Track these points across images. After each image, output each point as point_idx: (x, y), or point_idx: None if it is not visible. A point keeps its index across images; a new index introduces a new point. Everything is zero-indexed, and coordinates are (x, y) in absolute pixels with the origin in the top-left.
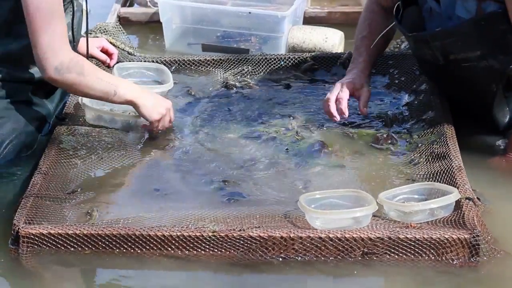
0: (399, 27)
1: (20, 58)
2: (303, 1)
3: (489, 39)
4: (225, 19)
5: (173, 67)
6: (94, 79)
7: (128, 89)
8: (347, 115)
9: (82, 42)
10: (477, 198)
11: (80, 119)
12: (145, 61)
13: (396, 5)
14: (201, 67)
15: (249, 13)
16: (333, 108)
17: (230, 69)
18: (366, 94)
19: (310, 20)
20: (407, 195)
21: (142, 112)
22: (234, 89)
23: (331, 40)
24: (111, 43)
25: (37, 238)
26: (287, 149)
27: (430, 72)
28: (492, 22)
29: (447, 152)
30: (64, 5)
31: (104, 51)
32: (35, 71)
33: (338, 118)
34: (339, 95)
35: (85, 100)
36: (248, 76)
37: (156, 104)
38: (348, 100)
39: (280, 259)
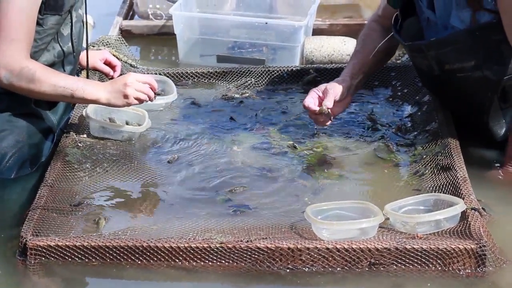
0: (396, 36)
1: None
2: (313, 12)
3: (484, 49)
4: (238, 30)
5: (189, 81)
6: (46, 87)
7: (85, 91)
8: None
9: (82, 55)
10: (482, 208)
11: (85, 132)
12: (148, 73)
13: (395, 14)
14: (205, 79)
15: (266, 23)
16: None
17: (234, 81)
18: (335, 91)
19: (312, 32)
20: (413, 206)
21: (110, 106)
22: (237, 100)
23: (350, 44)
24: (114, 55)
25: (44, 250)
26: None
27: (428, 82)
28: (486, 32)
29: (452, 163)
30: (62, 15)
31: (107, 63)
32: None
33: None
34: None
35: (89, 112)
36: (251, 88)
37: (117, 91)
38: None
39: (288, 270)
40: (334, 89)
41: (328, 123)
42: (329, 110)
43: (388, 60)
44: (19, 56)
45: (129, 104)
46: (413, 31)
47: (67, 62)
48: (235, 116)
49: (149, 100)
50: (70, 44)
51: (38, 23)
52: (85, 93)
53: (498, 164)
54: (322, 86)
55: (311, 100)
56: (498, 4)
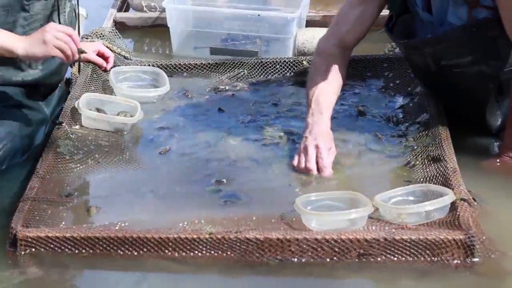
0: (389, 35)
1: (15, 60)
2: (307, 4)
3: (480, 44)
4: (231, 22)
5: (184, 73)
6: None
7: (17, 44)
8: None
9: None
10: (473, 199)
11: (77, 123)
12: (141, 64)
13: (390, 14)
14: (198, 71)
15: (259, 15)
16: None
17: (226, 73)
18: (331, 158)
19: (306, 24)
20: (403, 197)
21: (26, 57)
22: (230, 92)
23: None
24: (107, 47)
25: (34, 241)
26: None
27: (422, 77)
28: (484, 28)
29: (442, 154)
30: (47, 0)
31: (100, 55)
32: (26, 74)
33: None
34: (320, 164)
35: (81, 104)
36: (244, 80)
37: (34, 38)
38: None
39: (277, 261)
40: (334, 152)
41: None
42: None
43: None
44: None
45: (48, 53)
46: (405, 28)
47: None
48: (226, 107)
49: (71, 55)
50: None
51: (24, 9)
52: (18, 45)
53: (495, 153)
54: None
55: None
56: None
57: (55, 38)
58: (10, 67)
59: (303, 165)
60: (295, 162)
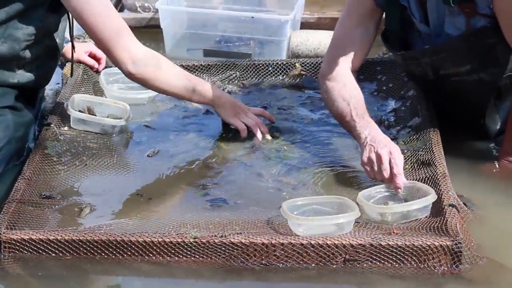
0: (386, 46)
1: (10, 61)
2: (301, 6)
3: (479, 53)
4: (225, 24)
5: None
6: (172, 74)
7: (206, 89)
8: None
9: (67, 47)
10: (464, 204)
11: (66, 124)
12: None
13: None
14: (190, 72)
15: (252, 17)
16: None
17: (218, 75)
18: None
19: (300, 26)
20: (388, 193)
21: (220, 113)
22: None
23: None
24: None
25: (18, 244)
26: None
27: (420, 85)
28: (482, 37)
29: (432, 159)
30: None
31: (92, 56)
32: (20, 76)
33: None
34: (395, 170)
35: (70, 105)
36: (236, 82)
37: (235, 105)
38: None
39: (262, 266)
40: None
41: None
42: None
43: None
44: (135, 42)
45: (232, 124)
46: (402, 39)
47: (52, 57)
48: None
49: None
50: (57, 39)
51: (39, 20)
52: (205, 89)
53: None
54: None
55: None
56: (495, 5)
57: (246, 118)
58: (6, 69)
59: (378, 173)
60: (368, 172)
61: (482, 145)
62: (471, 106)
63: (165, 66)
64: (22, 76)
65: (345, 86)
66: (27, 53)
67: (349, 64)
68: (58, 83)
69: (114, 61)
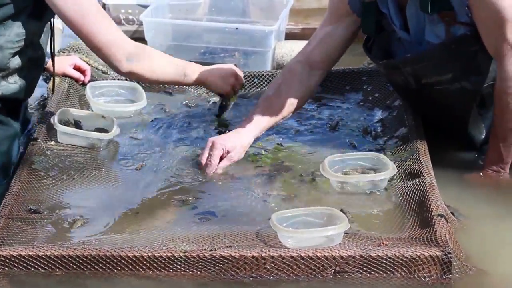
0: (368, 55)
1: None
2: (285, 17)
3: (460, 61)
4: (209, 35)
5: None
6: (164, 62)
7: (195, 70)
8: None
9: (51, 61)
10: (452, 213)
11: (53, 139)
12: (118, 79)
13: (366, 36)
14: (175, 85)
15: (236, 28)
16: (207, 171)
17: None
18: (226, 162)
19: (285, 37)
20: (355, 161)
21: (214, 90)
22: (206, 107)
23: None
24: (84, 61)
25: (7, 260)
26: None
27: (404, 95)
28: (462, 45)
29: (420, 169)
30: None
31: (77, 68)
32: (4, 88)
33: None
34: (208, 160)
35: (57, 119)
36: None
37: (224, 77)
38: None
39: (252, 279)
40: (233, 157)
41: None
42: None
43: (298, 109)
44: (124, 36)
45: (231, 91)
46: (384, 48)
47: (35, 68)
48: (203, 122)
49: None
50: (39, 50)
51: (22, 26)
52: (195, 71)
53: (478, 166)
54: (222, 147)
55: (213, 169)
56: (473, 14)
57: (236, 86)
58: None
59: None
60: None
61: (467, 155)
62: (454, 115)
63: (156, 57)
64: (6, 88)
65: (279, 86)
66: (11, 63)
67: (305, 58)
68: (44, 97)
69: (107, 59)
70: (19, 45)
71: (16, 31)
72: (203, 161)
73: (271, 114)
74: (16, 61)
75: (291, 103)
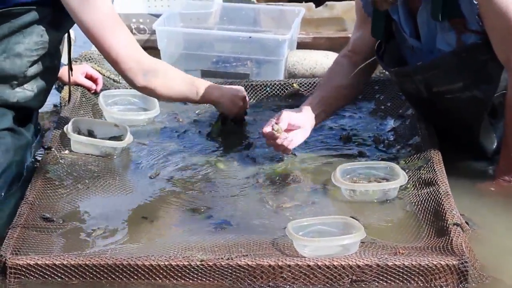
0: (380, 63)
1: (12, 78)
2: (297, 26)
3: (471, 70)
4: (221, 44)
5: None
6: (178, 80)
7: (207, 90)
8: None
9: (63, 71)
10: (466, 222)
11: (67, 148)
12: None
13: (378, 41)
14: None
15: (250, 37)
16: (272, 143)
17: None
18: (300, 138)
19: (296, 46)
20: (367, 169)
21: (223, 111)
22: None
23: (332, 58)
24: (96, 70)
25: (24, 269)
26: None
27: (416, 104)
28: (473, 53)
29: (434, 178)
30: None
31: (89, 77)
32: (20, 95)
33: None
34: (272, 131)
35: (70, 129)
36: None
37: (234, 99)
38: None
39: None
40: (289, 115)
41: (289, 151)
42: (283, 131)
43: (356, 96)
44: (142, 52)
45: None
46: (396, 56)
47: (50, 77)
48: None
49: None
50: (55, 60)
51: (40, 34)
52: (207, 91)
53: (490, 176)
54: (278, 114)
55: (267, 127)
56: (484, 22)
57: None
58: (7, 87)
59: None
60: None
61: (479, 164)
62: (465, 124)
63: (171, 74)
64: (23, 94)
65: (329, 74)
66: (29, 71)
67: (347, 55)
68: (56, 106)
69: (123, 73)
70: (38, 54)
71: (35, 40)
72: (266, 131)
73: (329, 101)
74: (33, 69)
75: (343, 88)
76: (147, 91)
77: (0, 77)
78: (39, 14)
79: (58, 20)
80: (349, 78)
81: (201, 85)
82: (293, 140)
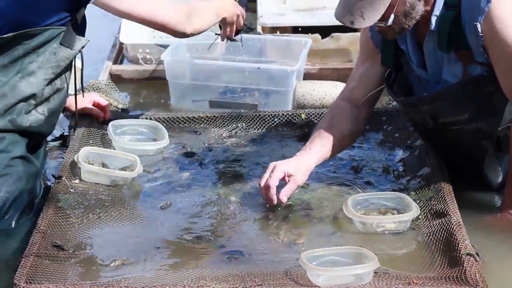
0: (389, 91)
1: (26, 99)
2: (305, 57)
3: (476, 101)
4: (229, 75)
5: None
6: (206, 10)
7: (218, 7)
8: (275, 203)
9: (70, 100)
10: (476, 254)
11: (77, 177)
12: (144, 118)
13: (388, 70)
14: (196, 124)
15: (258, 68)
16: (265, 196)
17: (224, 126)
18: (291, 186)
19: (303, 77)
20: (378, 200)
21: (227, 19)
22: (227, 146)
23: (341, 87)
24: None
25: None
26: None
27: (422, 134)
28: (479, 85)
29: (446, 208)
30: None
31: (96, 104)
32: (32, 119)
33: (273, 203)
34: (267, 181)
35: (81, 158)
36: (242, 133)
37: (232, 8)
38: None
39: None
40: (297, 179)
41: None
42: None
43: (351, 144)
44: (175, 7)
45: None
46: (405, 85)
47: (60, 100)
48: (225, 161)
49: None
50: (65, 84)
51: (53, 52)
52: (219, 9)
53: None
54: (284, 170)
55: (272, 191)
56: (489, 54)
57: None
58: (22, 111)
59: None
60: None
61: (485, 196)
62: (471, 156)
63: (199, 8)
64: (35, 118)
65: (329, 119)
66: (42, 92)
67: (347, 95)
68: (65, 134)
69: (172, 33)
70: (53, 72)
71: (48, 57)
72: (262, 183)
73: (327, 146)
74: (47, 90)
75: (344, 136)
76: (197, 33)
77: (19, 98)
78: (53, 33)
79: (71, 37)
80: (351, 123)
81: (214, 5)
82: (285, 193)
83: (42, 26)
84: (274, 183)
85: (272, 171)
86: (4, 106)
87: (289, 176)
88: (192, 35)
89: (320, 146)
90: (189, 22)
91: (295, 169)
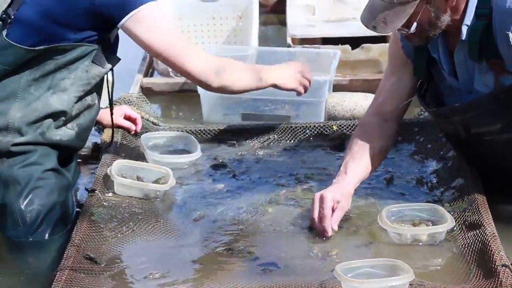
0: (421, 102)
1: (57, 115)
2: (335, 68)
3: (509, 111)
4: None
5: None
6: (243, 70)
7: (268, 74)
8: (330, 234)
9: (102, 113)
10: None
11: (110, 190)
12: (178, 130)
13: (420, 81)
14: (228, 136)
15: None
16: (321, 228)
17: (256, 138)
18: (339, 213)
19: (333, 88)
20: (412, 211)
21: (285, 89)
22: (260, 157)
23: (372, 98)
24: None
25: None
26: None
27: (455, 144)
28: (511, 95)
29: (480, 220)
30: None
31: (127, 117)
32: (63, 133)
33: (329, 234)
34: (321, 213)
35: (114, 171)
36: (274, 145)
37: (291, 75)
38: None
39: None
40: (344, 206)
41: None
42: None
43: (382, 161)
44: (205, 53)
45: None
46: (436, 96)
47: (91, 116)
48: (258, 173)
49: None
50: (96, 100)
51: (85, 70)
52: (268, 75)
53: None
54: (333, 198)
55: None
56: None
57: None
58: (51, 125)
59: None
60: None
61: None
62: (504, 166)
63: (233, 64)
64: (65, 133)
65: (360, 137)
66: (73, 108)
67: (377, 110)
68: (98, 148)
69: (197, 82)
70: (83, 89)
71: (80, 75)
72: (315, 216)
73: (361, 168)
74: (77, 106)
75: (375, 155)
76: (223, 89)
77: (49, 113)
78: (85, 51)
79: (103, 56)
80: (382, 140)
81: (261, 70)
82: (336, 221)
83: (74, 42)
84: (328, 213)
85: (321, 201)
86: (34, 119)
87: (337, 203)
88: (219, 90)
89: (354, 170)
90: (217, 75)
91: (341, 196)
